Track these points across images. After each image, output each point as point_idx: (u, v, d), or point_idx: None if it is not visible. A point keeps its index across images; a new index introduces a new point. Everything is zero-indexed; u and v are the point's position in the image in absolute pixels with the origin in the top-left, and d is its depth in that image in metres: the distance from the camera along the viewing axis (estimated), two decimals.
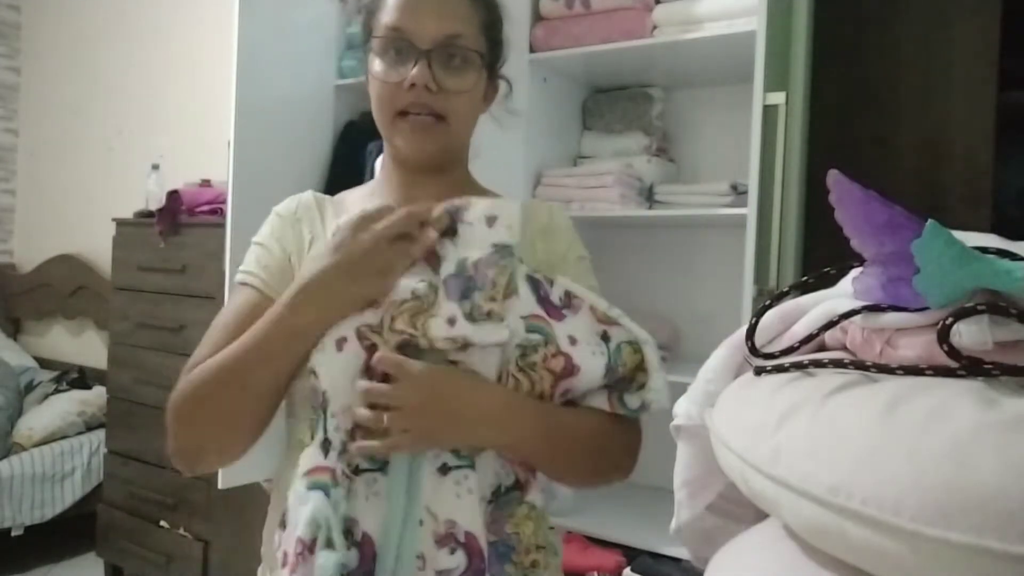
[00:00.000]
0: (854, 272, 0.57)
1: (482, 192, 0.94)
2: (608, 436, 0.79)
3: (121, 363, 2.70)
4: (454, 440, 0.72)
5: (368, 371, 0.72)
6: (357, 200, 0.93)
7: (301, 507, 0.69)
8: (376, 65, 0.84)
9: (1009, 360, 0.44)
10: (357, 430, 0.72)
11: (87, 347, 3.54)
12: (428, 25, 0.81)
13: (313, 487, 0.69)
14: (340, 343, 0.72)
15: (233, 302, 0.87)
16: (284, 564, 0.70)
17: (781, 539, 0.51)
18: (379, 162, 2.19)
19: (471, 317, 0.70)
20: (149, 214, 2.73)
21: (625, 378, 0.76)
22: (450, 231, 0.74)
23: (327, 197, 0.94)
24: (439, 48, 0.81)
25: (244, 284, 0.87)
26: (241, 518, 2.34)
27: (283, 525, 0.72)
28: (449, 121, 0.84)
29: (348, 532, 0.68)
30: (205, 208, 2.58)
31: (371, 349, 0.72)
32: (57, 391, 3.20)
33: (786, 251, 1.69)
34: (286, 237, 0.88)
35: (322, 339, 0.72)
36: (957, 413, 0.40)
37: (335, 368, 0.71)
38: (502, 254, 0.72)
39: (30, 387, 3.23)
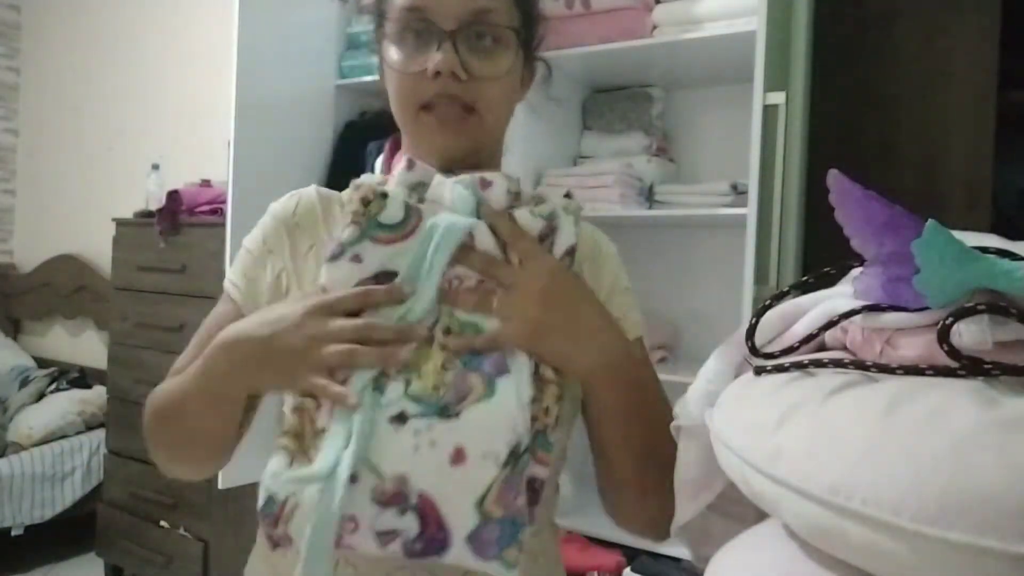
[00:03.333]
0: (854, 272, 0.57)
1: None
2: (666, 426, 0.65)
3: (121, 363, 2.70)
4: (556, 346, 0.63)
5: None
6: None
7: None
8: (393, 53, 0.73)
9: (1009, 360, 0.44)
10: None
11: (87, 347, 3.54)
12: (451, 0, 0.70)
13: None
14: None
15: (216, 310, 0.82)
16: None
17: (781, 539, 0.51)
18: (379, 162, 2.19)
19: None
20: (149, 214, 2.73)
21: None
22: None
23: (334, 194, 0.84)
24: (466, 27, 0.70)
25: (226, 292, 0.81)
26: (241, 518, 2.34)
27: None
28: (481, 113, 0.73)
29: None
30: (205, 208, 2.59)
31: None
32: (57, 389, 3.20)
33: (786, 251, 1.69)
34: (279, 246, 0.79)
35: None
36: (957, 413, 0.40)
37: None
38: None
39: (25, 383, 3.23)
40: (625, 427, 0.70)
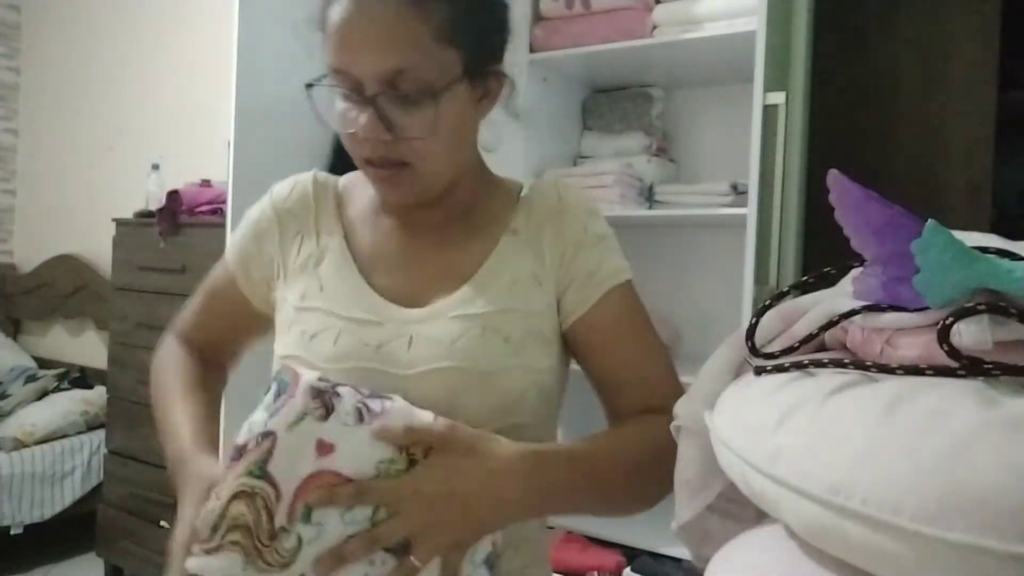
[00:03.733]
0: (854, 272, 0.57)
1: (493, 207, 0.84)
2: (662, 449, 0.69)
3: (121, 363, 2.70)
4: (485, 532, 0.66)
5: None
6: (362, 192, 0.87)
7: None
8: (336, 107, 0.74)
9: (1009, 360, 0.44)
10: None
11: (87, 347, 3.53)
12: (367, 63, 0.69)
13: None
14: None
15: (214, 273, 0.92)
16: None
17: (781, 539, 0.51)
18: None
19: None
20: (149, 214, 2.73)
21: None
22: None
23: (331, 182, 0.91)
24: (386, 89, 0.70)
25: (225, 255, 0.91)
26: None
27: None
28: (415, 166, 0.73)
29: None
30: (205, 208, 2.59)
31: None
32: (59, 388, 3.20)
33: (786, 251, 1.69)
34: (269, 230, 0.86)
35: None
36: (957, 413, 0.40)
37: None
38: None
39: (31, 380, 3.23)
40: (596, 507, 0.77)
